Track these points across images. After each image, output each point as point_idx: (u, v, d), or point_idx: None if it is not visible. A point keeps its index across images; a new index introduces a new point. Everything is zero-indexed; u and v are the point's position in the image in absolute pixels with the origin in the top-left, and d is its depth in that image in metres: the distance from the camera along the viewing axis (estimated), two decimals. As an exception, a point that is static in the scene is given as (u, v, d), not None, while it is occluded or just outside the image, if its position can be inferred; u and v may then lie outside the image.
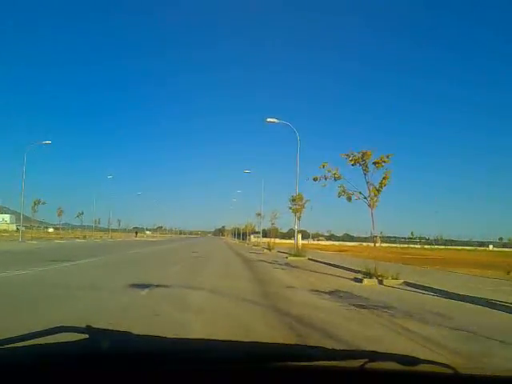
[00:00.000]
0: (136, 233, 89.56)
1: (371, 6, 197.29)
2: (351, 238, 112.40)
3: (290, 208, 27.78)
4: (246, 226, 76.39)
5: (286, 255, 28.21)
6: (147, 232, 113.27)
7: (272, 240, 42.67)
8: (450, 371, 1.23)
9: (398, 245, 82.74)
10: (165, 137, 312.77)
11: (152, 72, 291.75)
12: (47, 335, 1.21)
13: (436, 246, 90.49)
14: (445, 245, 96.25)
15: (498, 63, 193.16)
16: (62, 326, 1.25)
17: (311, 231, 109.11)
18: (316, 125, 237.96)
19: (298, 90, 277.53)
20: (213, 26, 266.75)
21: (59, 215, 61.22)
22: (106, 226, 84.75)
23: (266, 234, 74.51)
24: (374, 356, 1.28)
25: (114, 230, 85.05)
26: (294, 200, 27.64)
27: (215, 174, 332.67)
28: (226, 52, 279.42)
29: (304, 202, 27.30)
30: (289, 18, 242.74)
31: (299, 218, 27.71)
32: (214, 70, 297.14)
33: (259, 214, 47.10)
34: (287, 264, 21.00)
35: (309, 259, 24.84)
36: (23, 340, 1.19)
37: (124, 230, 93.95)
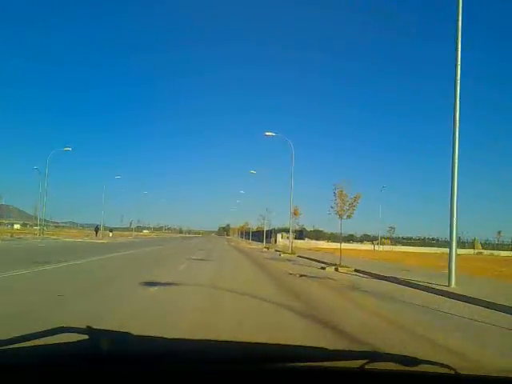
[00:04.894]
0: (96, 230, 58.90)
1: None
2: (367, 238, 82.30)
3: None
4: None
5: None
6: (144, 231, 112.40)
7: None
8: (450, 371, 1.23)
9: (482, 251, 57.25)
10: (167, 135, 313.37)
11: (153, 70, 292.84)
12: (48, 336, 1.21)
13: None
14: None
15: None
16: (63, 327, 1.25)
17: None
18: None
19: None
20: (214, 25, 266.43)
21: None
22: (108, 225, 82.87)
23: (270, 235, 64.09)
24: (375, 356, 1.29)
25: (116, 229, 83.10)
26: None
27: (218, 172, 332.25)
28: (233, 51, 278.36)
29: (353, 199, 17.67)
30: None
31: (349, 216, 17.74)
32: (215, 69, 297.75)
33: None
34: None
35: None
36: (24, 340, 1.19)
37: (127, 229, 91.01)
